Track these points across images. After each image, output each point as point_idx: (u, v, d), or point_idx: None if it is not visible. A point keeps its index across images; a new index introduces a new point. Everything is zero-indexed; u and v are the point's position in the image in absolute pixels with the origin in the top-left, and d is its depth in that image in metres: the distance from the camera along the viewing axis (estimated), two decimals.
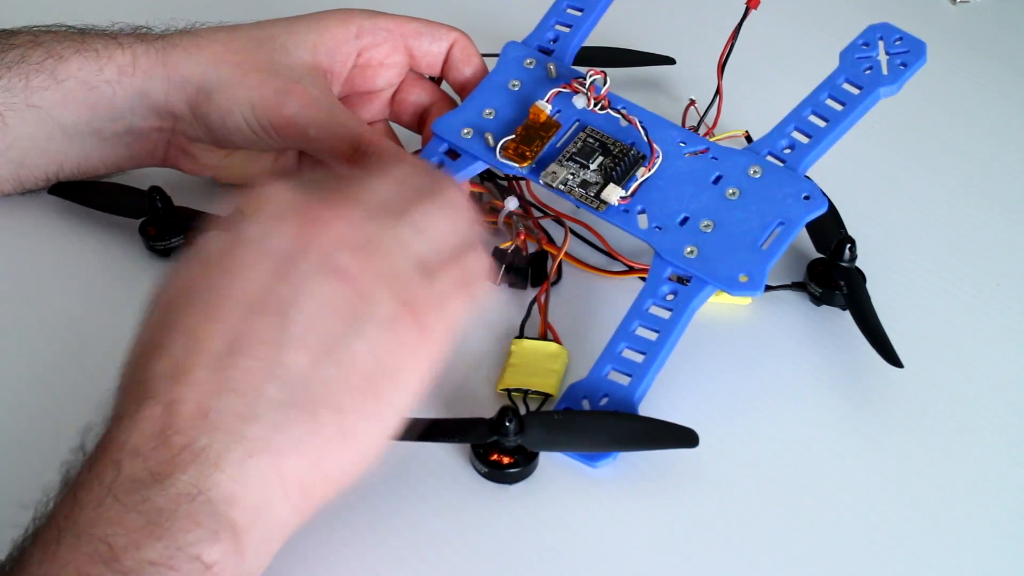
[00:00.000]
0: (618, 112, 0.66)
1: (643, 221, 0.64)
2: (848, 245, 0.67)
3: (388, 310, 0.50)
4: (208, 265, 0.51)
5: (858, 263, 0.67)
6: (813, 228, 0.70)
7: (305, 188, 0.52)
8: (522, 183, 0.72)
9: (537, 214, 0.71)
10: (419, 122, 0.72)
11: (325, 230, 0.51)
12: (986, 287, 0.70)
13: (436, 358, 0.53)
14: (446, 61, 0.71)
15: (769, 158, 0.65)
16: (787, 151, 0.65)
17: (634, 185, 0.65)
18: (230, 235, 0.51)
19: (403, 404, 0.52)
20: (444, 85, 0.73)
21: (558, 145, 0.66)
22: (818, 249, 0.70)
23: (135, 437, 0.47)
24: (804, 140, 0.65)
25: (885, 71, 0.66)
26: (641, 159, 0.66)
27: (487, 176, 0.73)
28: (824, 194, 0.64)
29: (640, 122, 0.65)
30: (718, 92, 0.73)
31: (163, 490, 0.46)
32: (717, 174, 0.65)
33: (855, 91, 0.66)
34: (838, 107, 0.66)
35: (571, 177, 0.65)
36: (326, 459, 0.49)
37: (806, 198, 0.64)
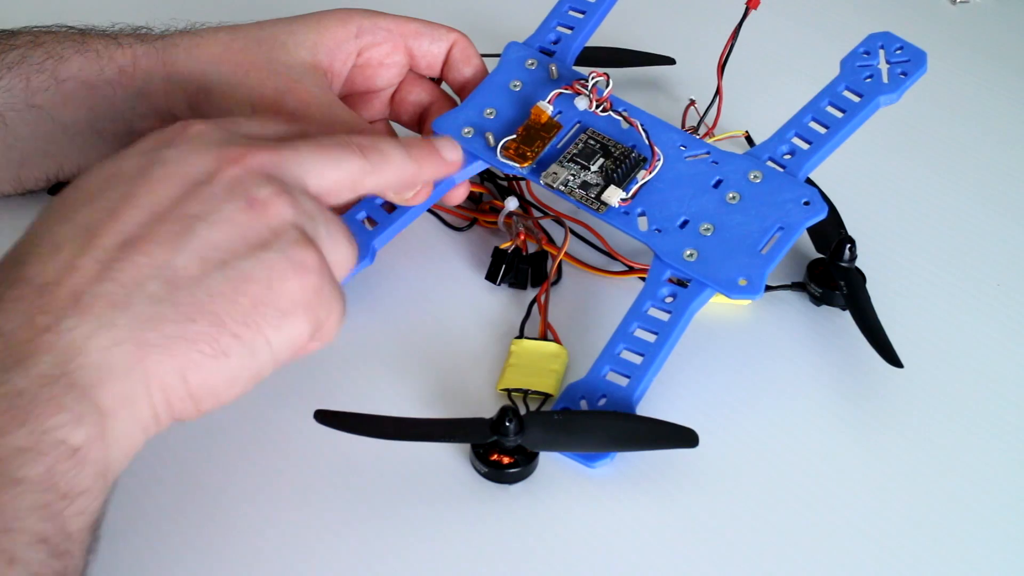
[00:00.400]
0: (619, 114, 0.66)
1: (643, 223, 0.64)
2: (848, 245, 0.67)
3: (294, 245, 0.50)
4: (119, 176, 0.50)
5: (858, 263, 0.67)
6: (813, 228, 0.70)
7: (232, 134, 0.53)
8: (522, 183, 0.72)
9: (537, 214, 0.71)
10: (419, 121, 0.72)
11: (243, 164, 0.51)
12: (986, 287, 0.70)
13: (326, 322, 0.52)
14: (446, 62, 0.71)
15: (769, 163, 0.65)
16: (787, 157, 0.66)
17: (635, 187, 0.65)
18: (147, 156, 0.51)
19: (278, 349, 0.50)
20: (444, 86, 0.73)
21: (559, 146, 0.66)
22: (818, 249, 0.70)
23: (1, 318, 0.46)
24: (804, 146, 0.66)
25: (885, 79, 0.66)
26: (642, 162, 0.66)
27: (487, 176, 0.73)
28: (824, 200, 0.64)
29: (641, 125, 0.65)
30: (718, 92, 0.73)
31: (24, 371, 0.45)
32: (717, 178, 0.65)
33: (855, 99, 0.66)
34: (838, 114, 0.66)
35: (571, 178, 0.65)
36: (191, 368, 0.48)
37: (806, 204, 0.64)
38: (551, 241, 0.70)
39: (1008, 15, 0.90)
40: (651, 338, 0.62)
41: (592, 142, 0.66)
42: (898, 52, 0.66)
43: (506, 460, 0.59)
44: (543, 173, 0.65)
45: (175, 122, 0.67)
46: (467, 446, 0.60)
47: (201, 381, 0.48)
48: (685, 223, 0.64)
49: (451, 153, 0.60)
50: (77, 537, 0.46)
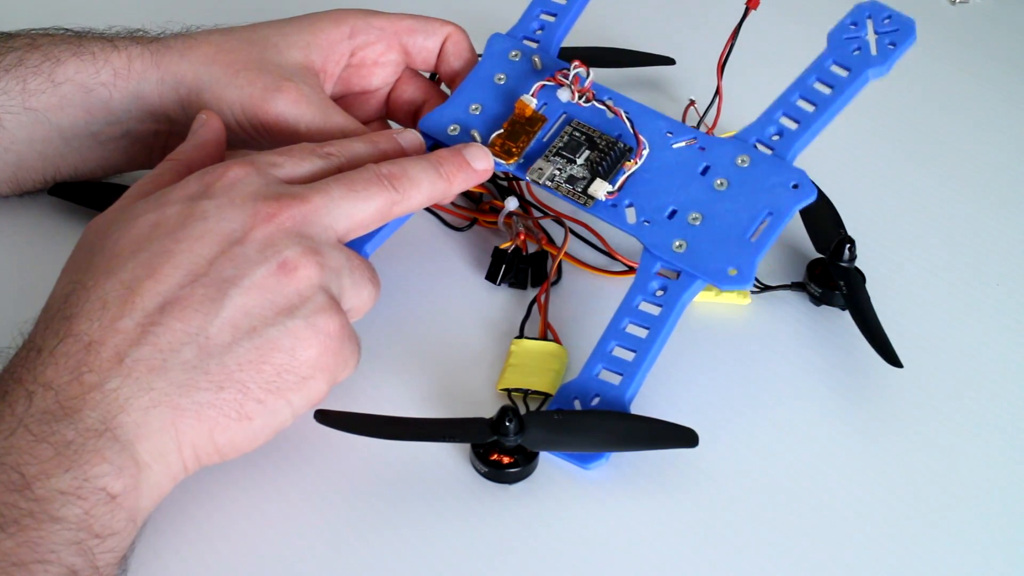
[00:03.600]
0: (603, 104, 0.66)
1: (631, 215, 0.64)
2: (848, 245, 0.66)
3: (318, 312, 0.55)
4: (162, 227, 0.55)
5: (858, 263, 0.67)
6: (813, 228, 0.70)
7: (268, 181, 0.57)
8: (522, 183, 0.72)
9: (537, 214, 0.71)
10: (414, 119, 0.72)
11: (275, 222, 0.55)
12: (986, 287, 0.70)
13: (341, 375, 0.57)
14: (439, 55, 0.71)
15: (758, 146, 0.65)
16: (775, 138, 0.65)
17: (621, 179, 0.64)
18: (188, 206, 0.55)
19: (298, 407, 0.55)
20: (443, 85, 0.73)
21: (544, 139, 0.66)
22: (818, 249, 0.70)
23: (50, 371, 0.51)
24: (793, 126, 0.65)
25: (874, 51, 0.65)
26: (628, 151, 0.65)
27: None
28: (814, 183, 0.63)
29: (626, 113, 0.65)
30: (718, 92, 0.73)
31: (72, 424, 0.50)
32: (705, 165, 0.64)
33: (843, 73, 0.65)
34: (827, 91, 0.65)
35: (558, 173, 0.65)
36: (218, 431, 0.53)
37: (795, 187, 0.63)
38: (551, 241, 0.70)
39: (1007, 15, 0.90)
40: (643, 333, 0.61)
41: (577, 134, 0.66)
42: (886, 22, 0.65)
43: (506, 460, 0.59)
44: (529, 169, 0.65)
45: (171, 125, 0.68)
46: (467, 446, 0.60)
47: (227, 440, 0.54)
48: (673, 213, 0.63)
49: (481, 163, 0.63)
50: (104, 571, 0.50)
